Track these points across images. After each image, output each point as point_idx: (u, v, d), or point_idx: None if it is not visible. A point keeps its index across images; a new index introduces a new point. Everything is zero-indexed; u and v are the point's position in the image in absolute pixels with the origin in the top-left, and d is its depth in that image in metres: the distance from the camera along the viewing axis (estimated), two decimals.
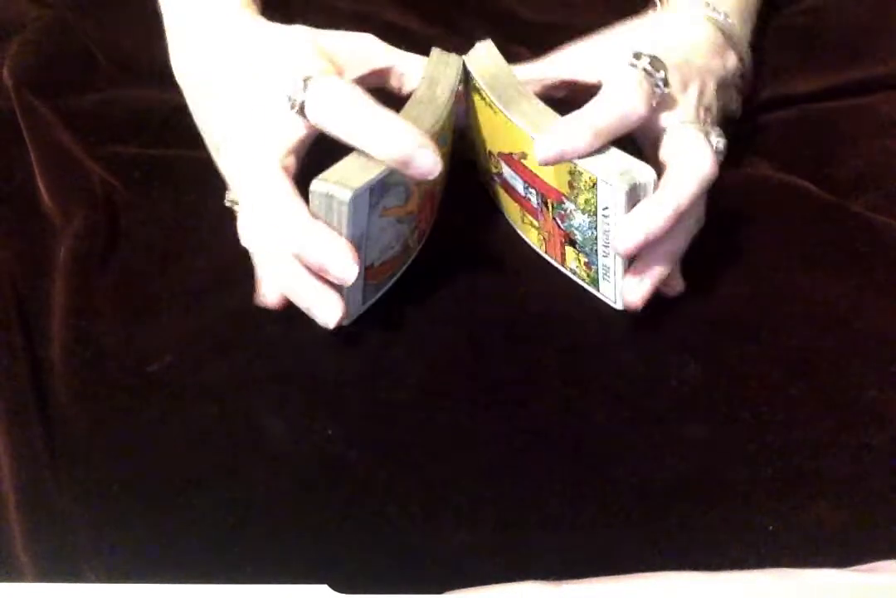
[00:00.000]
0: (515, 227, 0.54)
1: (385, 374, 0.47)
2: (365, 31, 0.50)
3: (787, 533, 0.42)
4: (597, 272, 0.49)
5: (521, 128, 0.47)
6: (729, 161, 0.51)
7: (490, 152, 0.52)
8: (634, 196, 0.44)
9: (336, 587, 0.40)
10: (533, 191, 0.49)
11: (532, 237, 0.53)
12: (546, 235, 0.51)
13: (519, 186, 0.50)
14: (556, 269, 0.52)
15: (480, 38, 0.50)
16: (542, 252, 0.52)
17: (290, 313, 0.49)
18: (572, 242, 0.49)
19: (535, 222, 0.51)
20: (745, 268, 0.52)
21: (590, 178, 0.45)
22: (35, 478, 0.44)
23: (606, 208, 0.45)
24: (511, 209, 0.53)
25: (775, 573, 0.40)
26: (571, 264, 0.51)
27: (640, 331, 0.49)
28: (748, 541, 0.42)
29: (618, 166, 0.45)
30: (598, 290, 0.50)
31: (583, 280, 0.51)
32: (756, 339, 0.49)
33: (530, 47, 0.60)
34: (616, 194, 0.44)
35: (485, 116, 0.50)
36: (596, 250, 0.48)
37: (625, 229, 0.44)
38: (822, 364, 0.48)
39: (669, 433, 0.45)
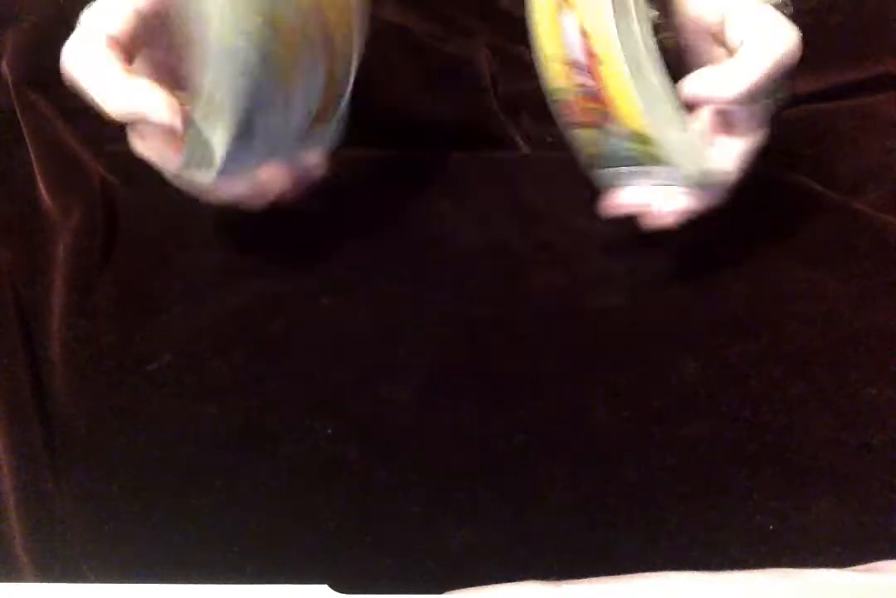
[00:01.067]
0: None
1: (385, 374, 0.47)
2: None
3: (787, 533, 0.42)
4: None
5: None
6: None
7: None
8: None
9: (336, 587, 0.40)
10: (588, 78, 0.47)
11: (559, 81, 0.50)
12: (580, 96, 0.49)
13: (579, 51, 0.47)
14: (558, 268, 0.52)
15: (480, 37, 0.50)
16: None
17: (291, 312, 0.49)
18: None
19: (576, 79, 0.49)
20: (746, 267, 0.52)
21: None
22: (35, 478, 0.44)
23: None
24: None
25: (775, 573, 0.40)
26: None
27: (641, 330, 0.49)
28: (748, 541, 0.42)
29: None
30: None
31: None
32: (756, 338, 0.49)
33: (530, 47, 0.60)
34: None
35: None
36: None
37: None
38: (823, 363, 0.48)
39: (669, 433, 0.45)
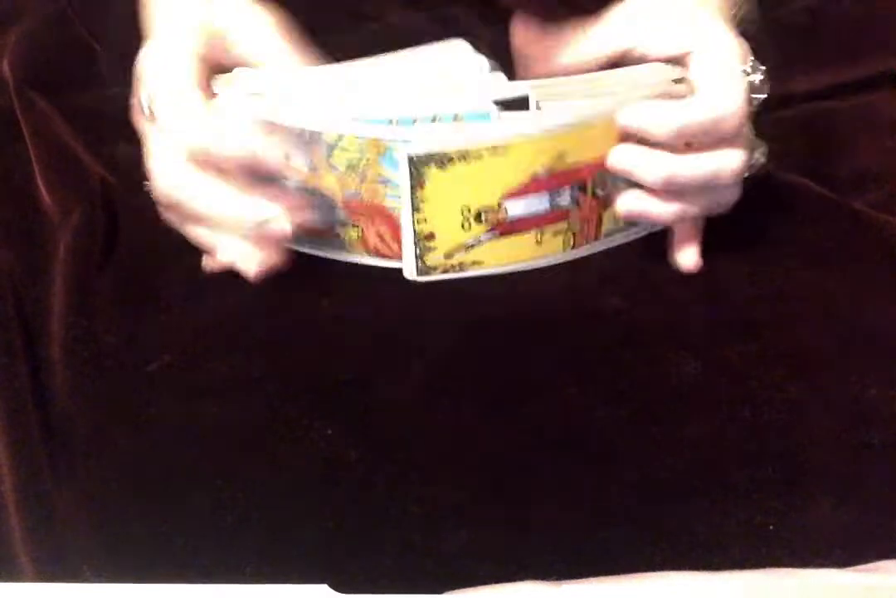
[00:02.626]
0: (531, 250, 0.51)
1: (385, 373, 0.47)
2: (364, 28, 0.50)
3: (787, 533, 0.42)
4: None
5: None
6: None
7: (475, 209, 0.48)
8: None
9: (336, 587, 0.40)
10: (564, 190, 0.49)
11: (554, 247, 0.51)
12: (578, 225, 0.50)
13: (541, 204, 0.49)
14: (558, 268, 0.52)
15: (481, 37, 0.50)
16: (564, 255, 0.51)
17: (291, 312, 0.49)
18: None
19: (563, 226, 0.50)
20: (746, 266, 0.52)
21: None
22: (35, 478, 0.44)
23: None
24: (522, 249, 0.51)
25: (775, 573, 0.40)
26: (608, 226, 0.51)
27: (641, 329, 0.49)
28: (748, 541, 0.42)
29: None
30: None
31: (625, 231, 0.52)
32: (756, 337, 0.49)
33: None
34: None
35: (453, 173, 0.47)
36: None
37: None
38: (823, 363, 0.48)
39: (669, 433, 0.45)
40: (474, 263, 0.50)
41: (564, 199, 0.49)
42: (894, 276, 0.51)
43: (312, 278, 0.50)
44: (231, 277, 0.50)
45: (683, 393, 0.46)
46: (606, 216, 0.51)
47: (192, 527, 0.43)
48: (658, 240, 0.52)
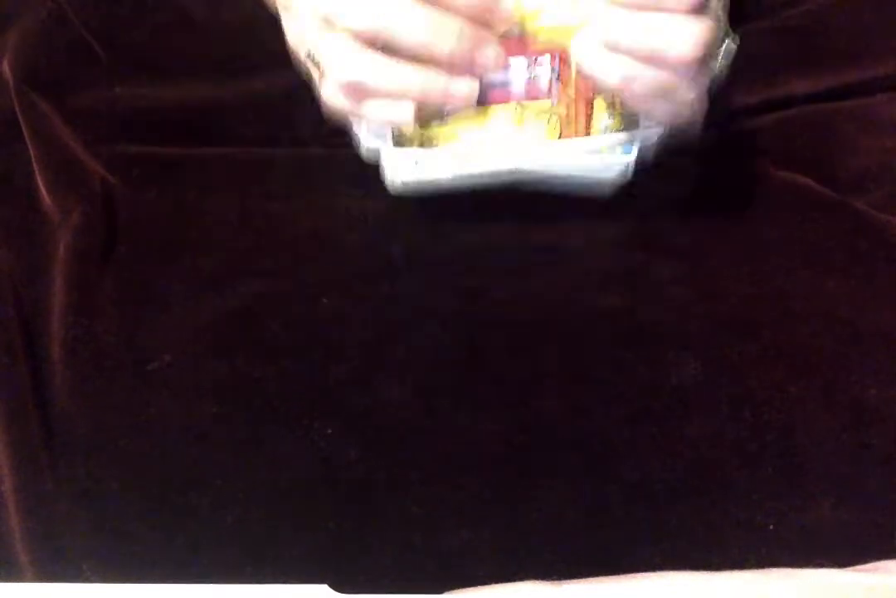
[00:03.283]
0: (512, 132, 0.49)
1: (385, 373, 0.47)
2: None
3: (787, 533, 0.42)
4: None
5: None
6: (729, 161, 0.51)
7: None
8: None
9: (336, 587, 0.40)
10: (541, 67, 0.48)
11: (540, 130, 0.50)
12: (565, 108, 0.49)
13: (517, 77, 0.48)
14: (558, 268, 0.52)
15: None
16: (554, 143, 0.50)
17: (291, 312, 0.49)
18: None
19: (545, 105, 0.49)
20: (746, 266, 0.52)
21: None
22: (35, 478, 0.44)
23: None
24: (496, 119, 0.49)
25: (775, 573, 0.40)
26: (601, 123, 0.49)
27: (641, 329, 0.49)
28: (748, 541, 0.42)
29: None
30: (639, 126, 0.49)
31: (617, 130, 0.49)
32: (757, 337, 0.49)
33: None
34: None
35: None
36: None
37: None
38: (823, 363, 0.48)
39: (670, 432, 0.45)
40: (451, 136, 0.49)
41: (542, 74, 0.48)
42: (894, 276, 0.51)
43: (312, 278, 0.50)
44: (231, 277, 0.50)
45: (683, 393, 0.46)
46: (598, 111, 0.49)
47: (192, 527, 0.43)
48: (658, 239, 0.52)
